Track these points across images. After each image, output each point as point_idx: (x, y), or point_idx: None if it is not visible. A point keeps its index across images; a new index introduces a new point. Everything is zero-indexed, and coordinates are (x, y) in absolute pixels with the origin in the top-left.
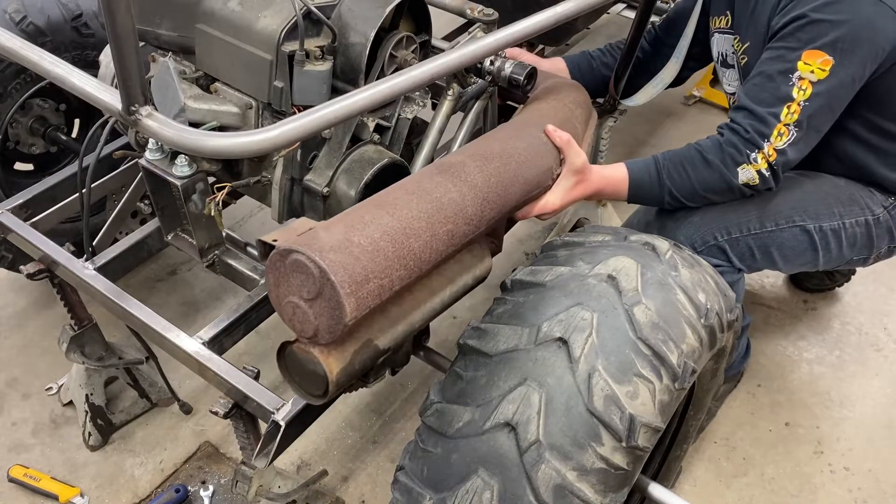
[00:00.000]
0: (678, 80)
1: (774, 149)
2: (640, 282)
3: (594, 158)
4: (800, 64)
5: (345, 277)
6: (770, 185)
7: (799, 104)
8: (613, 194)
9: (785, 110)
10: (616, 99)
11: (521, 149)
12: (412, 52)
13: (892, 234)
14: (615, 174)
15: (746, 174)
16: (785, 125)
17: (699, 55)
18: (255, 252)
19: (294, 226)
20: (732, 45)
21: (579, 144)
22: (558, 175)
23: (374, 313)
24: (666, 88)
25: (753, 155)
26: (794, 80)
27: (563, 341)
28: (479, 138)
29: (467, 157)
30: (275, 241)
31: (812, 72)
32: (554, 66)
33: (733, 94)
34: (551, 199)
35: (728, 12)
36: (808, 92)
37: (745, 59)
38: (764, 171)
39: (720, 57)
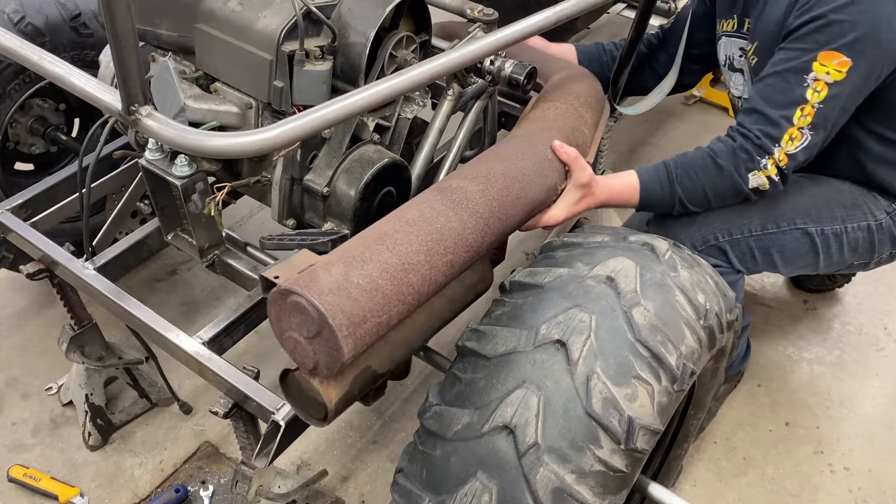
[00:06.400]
0: (684, 87)
1: (785, 153)
2: (639, 283)
3: (595, 159)
4: (815, 65)
5: (343, 321)
6: (779, 188)
7: (813, 106)
8: (622, 203)
9: (798, 113)
10: (613, 105)
11: (526, 168)
12: (412, 51)
13: (894, 240)
14: (623, 185)
15: (757, 180)
16: (798, 128)
17: (703, 58)
18: (255, 252)
19: (295, 261)
20: (741, 48)
21: (587, 152)
22: (563, 189)
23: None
24: (670, 94)
25: (764, 161)
26: (808, 81)
27: (561, 343)
28: (482, 155)
29: (470, 180)
30: (276, 277)
31: (828, 73)
32: (562, 51)
33: (739, 97)
34: (555, 213)
35: (735, 15)
36: (824, 94)
37: (756, 59)
38: (773, 177)
39: (727, 61)
